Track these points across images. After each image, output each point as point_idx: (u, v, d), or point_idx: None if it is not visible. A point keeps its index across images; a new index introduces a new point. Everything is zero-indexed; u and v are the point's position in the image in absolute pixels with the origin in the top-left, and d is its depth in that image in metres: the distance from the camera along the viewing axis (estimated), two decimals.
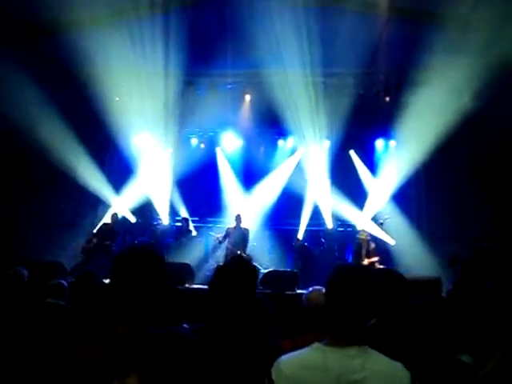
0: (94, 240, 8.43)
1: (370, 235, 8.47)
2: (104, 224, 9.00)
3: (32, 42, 7.93)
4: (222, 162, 10.97)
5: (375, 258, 8.03)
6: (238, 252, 8.17)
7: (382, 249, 8.68)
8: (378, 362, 1.50)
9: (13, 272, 2.99)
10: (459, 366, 1.82)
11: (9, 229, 8.83)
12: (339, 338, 1.54)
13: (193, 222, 10.00)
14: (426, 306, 2.69)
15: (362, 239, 8.22)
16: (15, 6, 6.93)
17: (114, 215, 9.00)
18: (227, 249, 8.63)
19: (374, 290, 1.59)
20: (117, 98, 9.56)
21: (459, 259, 4.77)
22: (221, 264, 8.34)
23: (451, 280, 4.75)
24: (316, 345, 1.56)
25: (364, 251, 8.12)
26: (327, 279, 1.65)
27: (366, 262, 7.97)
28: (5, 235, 8.63)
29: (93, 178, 9.77)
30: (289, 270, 8.04)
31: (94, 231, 8.78)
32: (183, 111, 9.80)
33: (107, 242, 8.49)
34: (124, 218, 10.26)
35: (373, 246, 8.21)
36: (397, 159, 9.94)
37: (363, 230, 8.47)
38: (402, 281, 2.76)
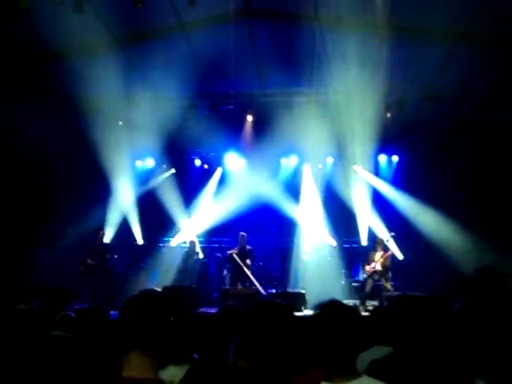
0: (89, 260, 8.40)
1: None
2: (90, 243, 8.83)
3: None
4: (222, 182, 10.91)
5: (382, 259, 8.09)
6: (245, 269, 8.19)
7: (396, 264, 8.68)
8: None
9: (23, 306, 2.97)
10: None
11: (16, 253, 8.86)
12: (335, 374, 1.59)
13: (198, 242, 9.98)
14: (438, 328, 2.67)
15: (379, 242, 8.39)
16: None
17: (100, 232, 8.96)
18: (232, 269, 8.61)
19: (356, 325, 1.64)
20: (120, 123, 9.66)
21: (465, 277, 4.74)
22: (227, 287, 8.23)
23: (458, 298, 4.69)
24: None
25: (378, 253, 8.21)
26: (310, 319, 1.70)
27: (374, 264, 8.04)
28: (12, 260, 8.66)
29: (100, 202, 9.82)
30: (295, 291, 7.99)
31: (86, 251, 8.66)
32: (186, 133, 9.81)
33: (107, 256, 8.56)
34: (131, 240, 10.28)
35: (389, 253, 8.26)
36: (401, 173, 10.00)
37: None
38: (414, 305, 2.76)
